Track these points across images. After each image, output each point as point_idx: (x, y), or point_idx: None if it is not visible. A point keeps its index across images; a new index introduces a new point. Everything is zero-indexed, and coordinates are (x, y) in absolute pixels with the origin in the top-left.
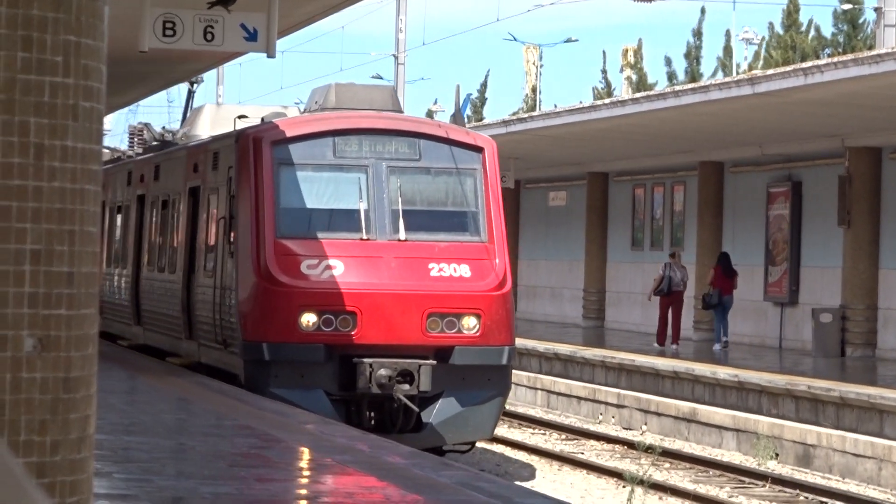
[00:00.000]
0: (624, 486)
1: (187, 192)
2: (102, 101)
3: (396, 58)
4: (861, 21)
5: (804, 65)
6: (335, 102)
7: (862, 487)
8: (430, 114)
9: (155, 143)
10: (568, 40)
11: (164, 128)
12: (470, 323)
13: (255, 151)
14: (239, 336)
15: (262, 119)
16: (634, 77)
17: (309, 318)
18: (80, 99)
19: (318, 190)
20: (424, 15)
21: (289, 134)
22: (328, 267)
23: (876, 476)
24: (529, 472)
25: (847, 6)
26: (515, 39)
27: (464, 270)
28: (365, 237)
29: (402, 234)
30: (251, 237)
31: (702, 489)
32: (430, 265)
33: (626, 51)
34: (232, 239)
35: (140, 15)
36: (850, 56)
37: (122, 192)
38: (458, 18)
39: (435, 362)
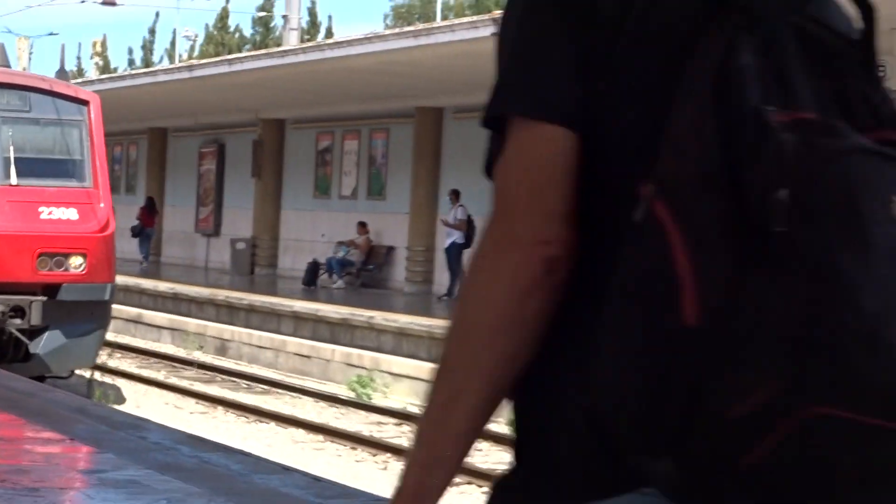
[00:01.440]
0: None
1: None
2: None
3: None
4: (272, 25)
5: (229, 56)
6: None
7: (264, 370)
8: None
9: None
10: (51, 34)
11: None
12: (76, 262)
13: None
14: None
15: None
16: (101, 63)
17: None
18: None
19: None
20: None
21: None
22: None
23: (274, 362)
24: None
25: (262, 13)
26: (10, 32)
27: (71, 214)
28: None
29: (14, 180)
30: None
31: (145, 373)
32: (41, 209)
33: (95, 43)
34: None
35: None
36: (263, 51)
37: None
38: None
39: (45, 298)
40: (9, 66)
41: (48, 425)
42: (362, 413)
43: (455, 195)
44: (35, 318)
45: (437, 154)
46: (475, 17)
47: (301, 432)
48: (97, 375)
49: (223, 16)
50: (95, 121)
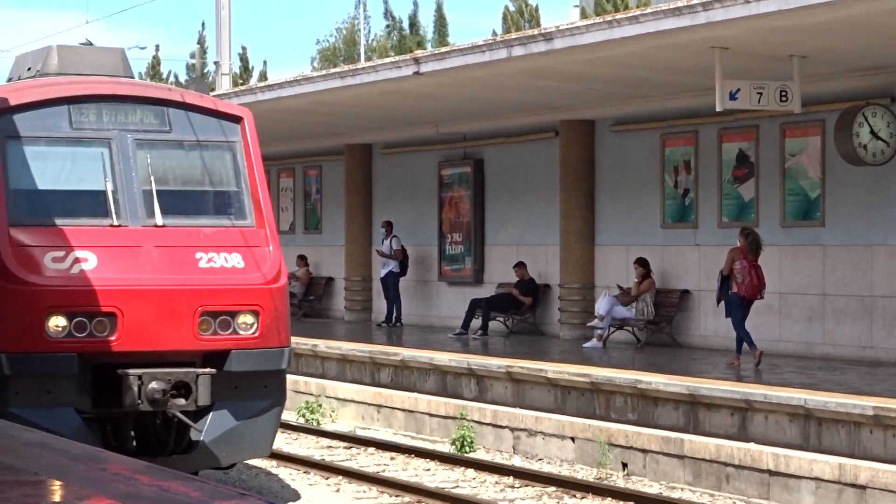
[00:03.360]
0: None
1: None
2: None
3: None
4: (206, 70)
5: None
6: (58, 67)
7: None
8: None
9: None
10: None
11: None
12: (247, 321)
13: None
14: None
15: None
16: None
17: (58, 322)
18: None
19: (54, 167)
20: None
21: (13, 101)
22: (77, 260)
23: None
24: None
25: (194, 60)
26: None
27: (236, 260)
28: (115, 223)
29: (159, 219)
30: None
31: None
32: (198, 255)
33: None
34: None
35: None
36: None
37: None
38: None
39: (214, 371)
40: (132, 76)
41: (9, 458)
42: (312, 437)
43: (388, 226)
44: (203, 396)
45: (368, 188)
46: (398, 58)
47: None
48: None
49: (154, 64)
50: (253, 141)
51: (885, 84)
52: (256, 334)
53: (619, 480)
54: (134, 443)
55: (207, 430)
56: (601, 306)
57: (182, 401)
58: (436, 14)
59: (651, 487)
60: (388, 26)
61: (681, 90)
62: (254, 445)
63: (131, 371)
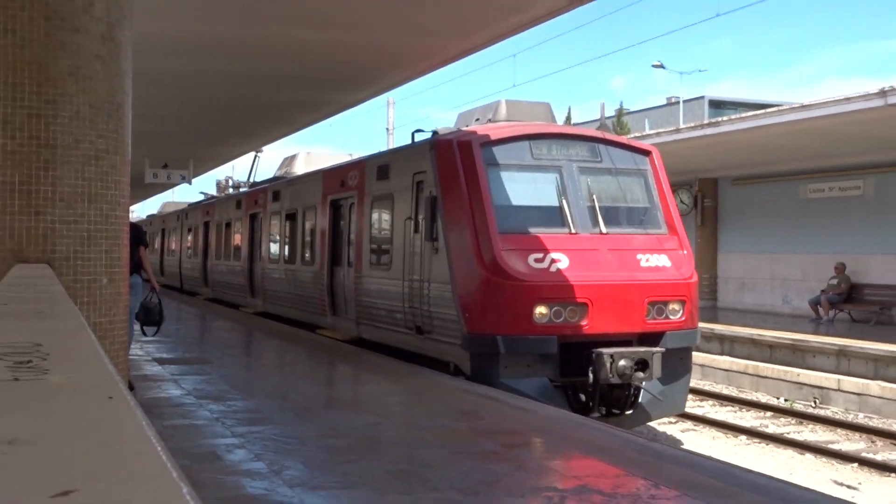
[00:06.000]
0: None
1: (328, 203)
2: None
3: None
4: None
5: None
6: (506, 116)
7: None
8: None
9: (236, 187)
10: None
11: (232, 179)
12: (675, 308)
13: (464, 153)
14: (461, 328)
15: (436, 132)
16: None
17: (542, 311)
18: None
19: (523, 188)
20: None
21: (492, 137)
22: (553, 260)
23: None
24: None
25: None
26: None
27: (664, 261)
28: (572, 231)
29: (603, 228)
30: (471, 234)
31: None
32: (638, 256)
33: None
34: (434, 236)
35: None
36: None
37: (231, 214)
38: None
39: (664, 349)
40: (556, 122)
41: (497, 421)
42: None
43: None
44: (657, 370)
45: None
46: None
47: None
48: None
49: None
50: (661, 169)
51: (687, 179)
52: (683, 318)
53: None
54: (594, 406)
55: (643, 394)
56: None
57: (641, 374)
58: None
59: None
60: None
61: None
62: (674, 405)
63: (605, 350)
